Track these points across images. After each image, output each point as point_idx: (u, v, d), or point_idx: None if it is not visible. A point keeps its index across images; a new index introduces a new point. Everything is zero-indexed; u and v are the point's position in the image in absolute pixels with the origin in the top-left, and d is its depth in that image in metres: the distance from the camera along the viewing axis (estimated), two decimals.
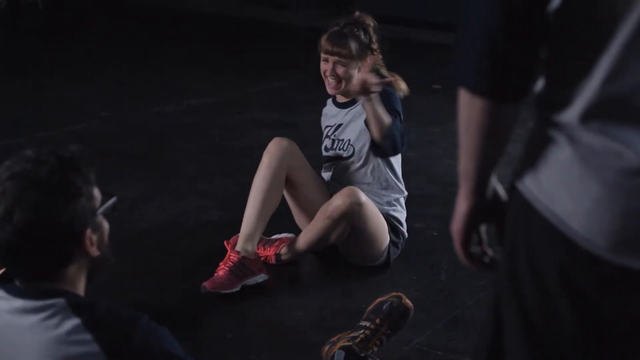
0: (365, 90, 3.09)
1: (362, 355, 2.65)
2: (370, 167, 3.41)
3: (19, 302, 1.61)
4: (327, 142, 3.51)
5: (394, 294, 2.77)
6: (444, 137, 5.18)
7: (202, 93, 6.24)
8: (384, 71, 3.44)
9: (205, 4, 10.07)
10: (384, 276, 3.37)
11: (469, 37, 1.33)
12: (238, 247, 3.24)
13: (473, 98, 1.35)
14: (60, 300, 1.60)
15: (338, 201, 3.23)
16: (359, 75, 3.24)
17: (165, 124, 5.48)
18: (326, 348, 2.72)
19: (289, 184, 3.37)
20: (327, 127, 3.53)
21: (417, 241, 3.69)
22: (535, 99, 1.38)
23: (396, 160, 3.46)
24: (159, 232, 3.79)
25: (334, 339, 2.73)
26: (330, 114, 3.53)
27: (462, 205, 1.48)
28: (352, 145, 3.41)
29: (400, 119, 3.27)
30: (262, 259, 3.35)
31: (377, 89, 3.11)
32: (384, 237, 3.34)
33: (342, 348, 2.66)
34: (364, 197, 3.24)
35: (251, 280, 3.22)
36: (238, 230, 3.35)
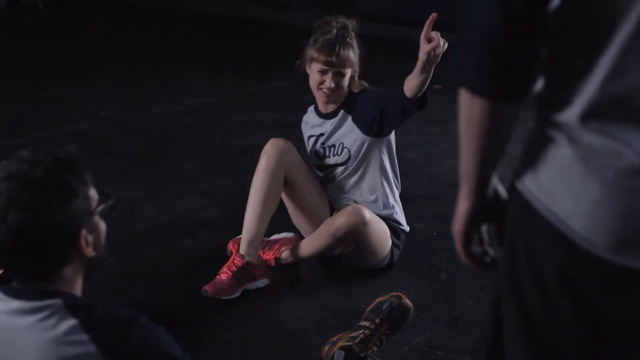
0: (434, 57, 2.99)
1: (362, 355, 2.65)
2: (363, 169, 3.38)
3: (16, 303, 1.61)
4: (318, 151, 3.44)
5: (394, 293, 2.77)
6: (444, 137, 5.18)
7: (202, 93, 6.25)
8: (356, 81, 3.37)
9: (205, 4, 10.07)
10: (384, 276, 3.37)
11: (469, 37, 1.33)
12: (242, 251, 3.23)
13: (473, 98, 1.35)
14: (57, 301, 1.60)
15: (342, 220, 3.21)
16: (424, 47, 3.05)
17: (165, 124, 5.48)
18: (326, 348, 2.72)
19: (286, 184, 3.36)
20: (310, 136, 3.47)
21: (417, 241, 3.69)
22: (535, 99, 1.38)
23: (389, 157, 3.42)
24: (159, 232, 3.79)
25: (334, 339, 2.73)
26: (313, 123, 3.47)
27: (463, 206, 1.48)
28: (346, 148, 3.37)
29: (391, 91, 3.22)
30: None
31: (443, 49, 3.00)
32: (387, 244, 3.34)
33: (342, 348, 2.66)
34: (368, 215, 3.22)
35: (252, 285, 3.22)
36: (238, 231, 3.35)
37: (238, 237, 3.37)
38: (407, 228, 3.46)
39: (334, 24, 3.34)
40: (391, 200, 3.41)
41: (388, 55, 7.85)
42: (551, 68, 1.34)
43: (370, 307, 2.77)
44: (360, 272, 3.38)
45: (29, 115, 5.56)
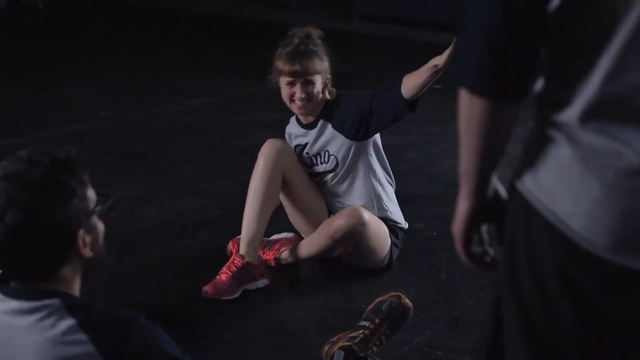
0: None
1: (362, 355, 2.65)
2: (353, 174, 3.37)
3: (14, 303, 1.61)
4: (305, 160, 3.42)
5: (394, 293, 2.77)
6: (444, 137, 5.18)
7: (202, 93, 6.24)
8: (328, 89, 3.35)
9: (205, 4, 10.07)
10: (384, 276, 3.37)
11: (469, 38, 1.33)
12: (242, 252, 3.23)
13: (473, 98, 1.35)
14: (55, 301, 1.60)
15: (341, 222, 3.21)
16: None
17: (165, 124, 5.48)
18: (326, 348, 2.72)
19: (284, 184, 3.35)
20: (296, 146, 3.44)
21: (417, 241, 3.69)
22: (535, 99, 1.38)
23: (377, 157, 3.40)
24: (159, 232, 3.79)
25: (334, 339, 2.73)
26: (295, 134, 3.44)
27: (463, 206, 1.48)
28: (332, 155, 3.35)
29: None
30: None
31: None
32: (386, 244, 3.34)
33: (341, 348, 2.66)
34: (367, 217, 3.22)
35: (252, 285, 3.22)
36: (238, 231, 3.35)
37: (238, 237, 3.37)
38: (405, 225, 3.45)
39: (298, 33, 3.30)
40: (385, 200, 3.41)
41: (388, 55, 7.85)
42: (551, 68, 1.34)
43: (370, 307, 2.77)
44: (360, 272, 3.38)
45: (29, 115, 5.56)
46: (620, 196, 1.27)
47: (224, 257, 3.34)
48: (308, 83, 3.24)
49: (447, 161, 4.75)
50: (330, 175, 3.39)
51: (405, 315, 2.74)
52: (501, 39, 1.29)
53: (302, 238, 3.50)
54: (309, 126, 3.40)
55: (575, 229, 1.30)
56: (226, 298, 3.14)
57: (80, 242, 1.63)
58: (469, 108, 1.37)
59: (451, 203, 1.58)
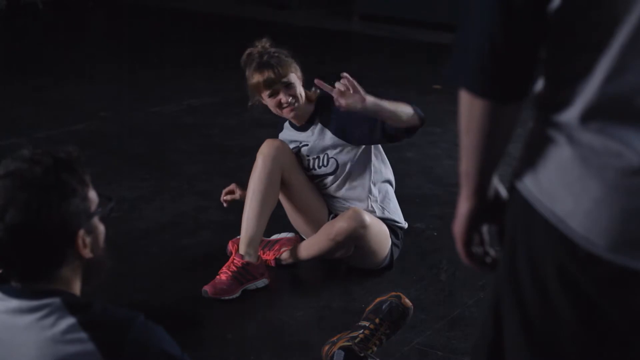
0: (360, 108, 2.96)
1: (362, 355, 2.65)
2: (354, 176, 3.37)
3: (14, 303, 1.61)
4: (303, 161, 3.41)
5: (394, 293, 2.77)
6: (444, 137, 5.18)
7: (202, 93, 6.25)
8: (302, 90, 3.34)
9: (205, 4, 10.08)
10: (384, 276, 3.37)
11: (469, 38, 1.33)
12: (241, 251, 3.23)
13: (473, 99, 1.35)
14: (55, 300, 1.60)
15: (342, 224, 3.21)
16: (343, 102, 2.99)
17: (165, 124, 5.48)
18: (326, 348, 2.72)
19: (283, 184, 3.35)
20: (294, 147, 3.42)
21: (417, 241, 3.69)
22: (535, 99, 1.38)
23: (375, 158, 3.39)
24: (159, 232, 3.79)
25: (334, 338, 2.73)
26: (290, 138, 3.43)
27: (463, 206, 1.48)
28: (332, 158, 3.35)
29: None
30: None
31: (356, 103, 2.96)
32: (387, 245, 3.34)
33: (341, 348, 2.66)
34: (368, 219, 3.22)
35: (252, 285, 3.22)
36: (238, 231, 3.35)
37: (238, 237, 3.37)
38: (405, 225, 3.45)
39: (254, 51, 3.31)
40: (386, 200, 3.41)
41: (388, 55, 7.86)
42: (551, 68, 1.34)
43: (370, 307, 2.77)
44: (360, 272, 3.38)
45: (29, 115, 5.56)
46: (620, 196, 1.27)
47: (224, 257, 3.34)
48: (288, 86, 3.26)
49: (447, 161, 4.75)
50: (330, 178, 3.39)
51: (405, 315, 2.74)
52: (501, 39, 1.29)
53: (302, 238, 3.50)
54: (303, 127, 3.40)
55: (575, 228, 1.30)
56: (226, 298, 3.14)
57: (80, 243, 1.63)
58: (469, 109, 1.37)
59: (451, 203, 1.58)
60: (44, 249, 1.61)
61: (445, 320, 3.03)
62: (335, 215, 3.37)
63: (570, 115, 1.30)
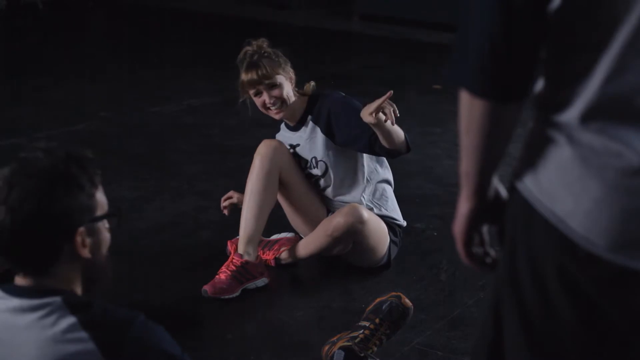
0: (378, 121, 2.97)
1: (362, 355, 2.65)
2: (347, 175, 3.37)
3: (15, 301, 1.61)
4: (299, 163, 3.42)
5: (394, 293, 2.77)
6: (444, 137, 5.18)
7: (202, 93, 6.25)
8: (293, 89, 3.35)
9: (205, 4, 10.08)
10: (384, 276, 3.37)
11: (469, 38, 1.33)
12: (240, 251, 3.23)
13: (474, 99, 1.35)
14: (56, 299, 1.60)
15: (340, 220, 3.21)
16: (363, 112, 2.99)
17: (165, 124, 5.48)
18: (326, 348, 2.72)
19: (281, 184, 3.35)
20: (290, 147, 3.44)
21: (417, 241, 3.69)
22: (535, 99, 1.38)
23: (372, 157, 3.38)
24: (159, 232, 3.79)
25: (334, 339, 2.73)
26: (285, 140, 3.43)
27: (463, 206, 1.48)
28: (322, 161, 3.36)
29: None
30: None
31: (372, 119, 2.96)
32: (385, 242, 3.34)
33: (341, 348, 2.66)
34: (366, 215, 3.22)
35: (252, 285, 3.22)
36: (238, 231, 3.34)
37: (237, 237, 3.37)
38: (403, 223, 3.45)
39: (249, 49, 3.33)
40: (383, 199, 3.41)
41: (388, 55, 7.85)
42: (551, 68, 1.34)
43: (370, 307, 2.77)
44: (360, 272, 3.38)
45: (29, 115, 5.56)
46: (620, 196, 1.27)
47: (224, 257, 3.34)
48: (271, 86, 3.27)
49: (447, 161, 4.75)
50: (322, 180, 3.40)
51: (405, 315, 2.74)
52: (501, 39, 1.29)
53: (301, 238, 3.50)
54: (296, 127, 3.40)
55: (575, 228, 1.30)
56: (226, 297, 3.14)
57: (78, 240, 1.63)
58: (469, 109, 1.36)
59: (451, 203, 1.58)
60: (40, 237, 1.61)
61: (445, 320, 3.03)
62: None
63: (570, 115, 1.30)
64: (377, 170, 3.40)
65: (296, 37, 8.28)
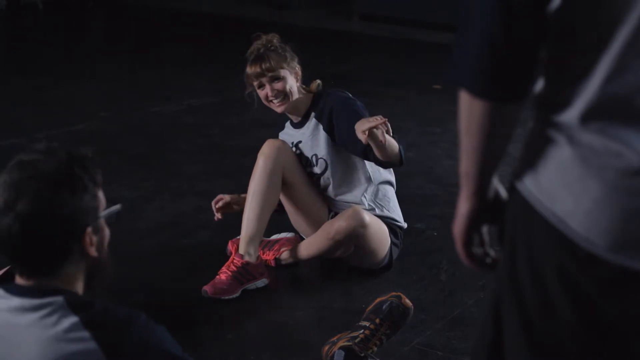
0: (371, 137, 2.96)
1: (362, 355, 2.65)
2: (347, 175, 3.37)
3: (16, 301, 1.61)
4: (302, 161, 3.42)
5: (394, 293, 2.77)
6: (444, 137, 5.18)
7: (202, 93, 6.25)
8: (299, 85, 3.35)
9: (205, 4, 10.08)
10: (384, 276, 3.37)
11: (469, 39, 1.33)
12: (241, 251, 3.23)
13: (473, 100, 1.35)
14: (58, 299, 1.60)
15: (342, 223, 3.21)
16: (357, 127, 2.99)
17: (165, 124, 5.48)
18: (326, 348, 2.72)
19: (284, 184, 3.35)
20: (291, 145, 3.44)
21: (417, 241, 3.69)
22: (535, 99, 1.38)
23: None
24: (159, 232, 3.79)
25: (334, 338, 2.73)
26: (288, 138, 3.44)
27: (463, 207, 1.48)
28: (322, 159, 3.36)
29: None
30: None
31: (363, 138, 2.96)
32: (386, 245, 3.34)
33: (342, 348, 2.66)
34: (367, 218, 3.22)
35: (252, 285, 3.22)
36: (238, 231, 3.35)
37: (238, 237, 3.37)
38: (404, 225, 3.45)
39: (258, 43, 3.34)
40: (385, 200, 3.40)
41: (388, 55, 7.85)
42: (551, 68, 1.34)
43: (370, 307, 2.77)
44: (360, 272, 3.38)
45: (29, 115, 5.56)
46: (620, 196, 1.27)
47: (224, 257, 3.34)
48: (274, 79, 3.28)
49: (447, 161, 4.75)
50: (323, 178, 3.40)
51: (405, 315, 2.74)
52: (501, 39, 1.29)
53: (302, 238, 3.50)
54: (300, 124, 3.41)
55: (575, 228, 1.30)
56: (226, 298, 3.14)
57: (87, 240, 1.64)
58: (469, 109, 1.36)
59: (451, 203, 1.58)
60: (51, 241, 1.62)
61: (445, 320, 3.03)
62: (335, 214, 3.37)
63: (570, 115, 1.30)
64: (379, 171, 3.40)
65: (296, 37, 8.27)
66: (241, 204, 3.39)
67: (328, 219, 3.39)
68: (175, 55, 7.63)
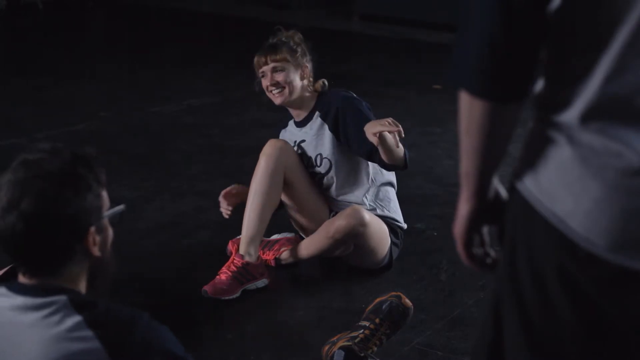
0: (381, 140, 2.98)
1: (362, 355, 2.65)
2: (350, 175, 3.37)
3: (19, 300, 1.62)
4: (304, 160, 3.42)
5: (394, 293, 2.77)
6: (444, 137, 5.18)
7: (202, 93, 6.25)
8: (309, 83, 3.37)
9: (205, 4, 10.08)
10: (384, 276, 3.37)
11: (469, 39, 1.33)
12: (241, 251, 3.23)
13: (473, 100, 1.35)
14: (62, 298, 1.60)
15: (341, 222, 3.21)
16: (367, 128, 3.01)
17: (165, 124, 5.48)
18: (326, 348, 2.72)
19: (285, 184, 3.35)
20: (294, 144, 3.44)
21: (417, 241, 3.69)
22: (535, 99, 1.38)
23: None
24: (159, 232, 3.79)
25: (334, 338, 2.73)
26: (291, 137, 3.44)
27: (464, 207, 1.48)
28: (326, 158, 3.36)
29: None
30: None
31: (375, 140, 2.98)
32: (386, 244, 3.34)
33: (342, 348, 2.66)
34: (367, 217, 3.22)
35: (252, 285, 3.22)
36: (238, 231, 3.35)
37: (238, 237, 3.37)
38: (404, 225, 3.45)
39: (277, 34, 3.38)
40: (385, 200, 3.41)
41: (388, 55, 7.85)
42: (551, 68, 1.34)
43: (370, 307, 2.77)
44: (360, 272, 3.38)
45: (29, 115, 5.56)
46: (620, 196, 1.27)
47: (224, 257, 3.34)
48: (276, 70, 3.30)
49: (447, 161, 4.75)
50: (326, 177, 3.40)
51: (405, 315, 2.74)
52: (501, 40, 1.29)
53: (302, 238, 3.50)
54: (303, 122, 3.41)
55: (575, 228, 1.30)
56: (226, 298, 3.14)
57: (90, 239, 1.65)
58: (469, 110, 1.36)
59: (451, 203, 1.58)
60: (54, 241, 1.62)
61: (445, 320, 3.03)
62: (336, 214, 3.37)
63: (570, 115, 1.30)
64: (381, 172, 3.40)
65: None
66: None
67: (329, 218, 3.39)
68: (175, 55, 7.63)
